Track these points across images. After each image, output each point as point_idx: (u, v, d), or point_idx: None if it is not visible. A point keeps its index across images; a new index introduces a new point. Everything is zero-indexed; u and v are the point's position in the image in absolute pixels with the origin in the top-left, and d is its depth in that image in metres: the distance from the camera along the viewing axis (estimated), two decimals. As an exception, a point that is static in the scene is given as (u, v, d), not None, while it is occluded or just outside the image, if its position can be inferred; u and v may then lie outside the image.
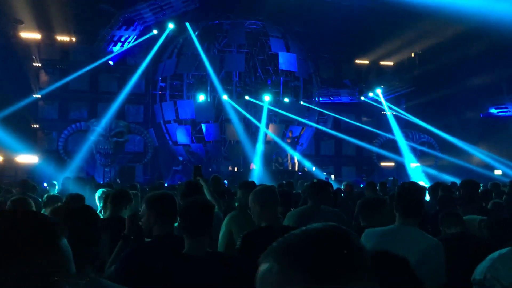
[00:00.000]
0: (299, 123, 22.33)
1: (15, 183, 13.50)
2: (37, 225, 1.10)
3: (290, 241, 0.85)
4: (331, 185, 4.91)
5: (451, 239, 3.64)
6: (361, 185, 14.54)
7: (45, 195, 5.92)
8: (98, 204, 5.31)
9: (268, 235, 2.55)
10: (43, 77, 22.62)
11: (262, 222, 3.29)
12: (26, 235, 1.06)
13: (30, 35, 20.47)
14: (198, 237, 2.57)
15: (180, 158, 22.66)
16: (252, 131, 21.70)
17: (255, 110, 21.88)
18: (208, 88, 21.41)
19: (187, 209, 2.64)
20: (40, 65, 21.83)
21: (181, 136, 21.63)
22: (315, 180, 5.01)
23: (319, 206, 4.31)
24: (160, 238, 2.91)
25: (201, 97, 21.20)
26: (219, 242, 4.12)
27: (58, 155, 20.37)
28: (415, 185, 5.88)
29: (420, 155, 22.64)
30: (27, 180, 8.08)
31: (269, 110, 21.40)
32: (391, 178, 14.73)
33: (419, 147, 22.99)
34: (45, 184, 10.93)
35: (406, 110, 24.24)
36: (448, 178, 16.23)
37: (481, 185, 11.17)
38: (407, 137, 23.04)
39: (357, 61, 26.34)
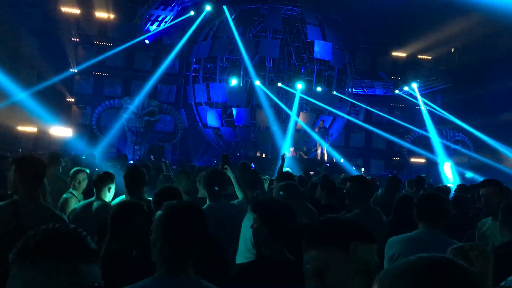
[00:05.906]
0: (330, 113, 22.07)
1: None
2: None
3: None
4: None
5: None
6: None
7: (74, 168, 5.81)
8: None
9: None
10: (80, 52, 22.96)
11: None
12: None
13: (69, 9, 20.70)
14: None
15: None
16: (282, 118, 21.57)
17: (287, 97, 21.70)
18: (241, 73, 21.34)
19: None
20: (78, 40, 22.12)
21: (211, 119, 21.69)
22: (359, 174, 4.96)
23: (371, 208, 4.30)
24: None
25: (234, 81, 21.15)
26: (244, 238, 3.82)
27: (90, 130, 20.77)
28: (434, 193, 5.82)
29: (453, 154, 22.05)
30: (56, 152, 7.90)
31: (301, 98, 21.19)
32: (424, 175, 14.37)
33: (452, 146, 22.38)
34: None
35: (441, 106, 23.61)
36: (481, 179, 15.79)
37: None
38: (440, 134, 22.45)
39: (394, 53, 25.66)
